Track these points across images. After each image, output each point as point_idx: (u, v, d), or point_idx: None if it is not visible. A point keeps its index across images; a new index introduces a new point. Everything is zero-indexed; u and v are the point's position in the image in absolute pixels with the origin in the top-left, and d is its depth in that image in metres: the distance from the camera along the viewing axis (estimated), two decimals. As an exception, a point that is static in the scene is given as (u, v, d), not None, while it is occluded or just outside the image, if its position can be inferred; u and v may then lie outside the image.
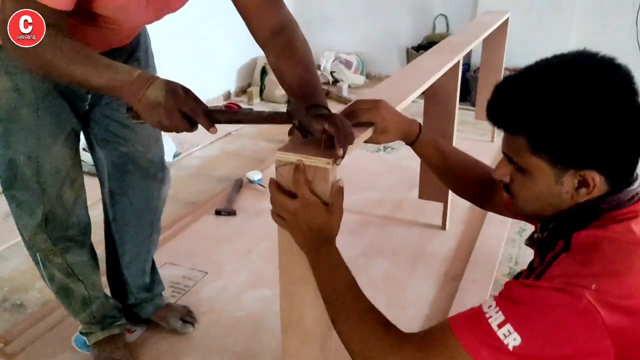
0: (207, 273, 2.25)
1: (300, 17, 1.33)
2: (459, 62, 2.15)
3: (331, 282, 1.00)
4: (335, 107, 1.11)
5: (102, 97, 1.51)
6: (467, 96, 4.41)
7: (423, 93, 1.78)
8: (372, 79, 5.22)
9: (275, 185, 1.00)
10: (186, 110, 1.03)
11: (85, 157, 1.69)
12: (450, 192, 2.46)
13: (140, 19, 1.33)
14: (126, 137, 1.59)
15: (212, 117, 1.04)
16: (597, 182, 0.90)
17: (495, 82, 0.98)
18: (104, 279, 1.82)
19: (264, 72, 4.64)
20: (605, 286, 0.81)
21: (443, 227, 2.56)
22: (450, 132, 2.35)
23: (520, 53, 4.27)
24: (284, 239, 1.06)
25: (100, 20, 1.26)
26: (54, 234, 1.52)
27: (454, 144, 2.39)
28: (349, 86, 4.88)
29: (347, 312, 0.97)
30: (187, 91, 1.06)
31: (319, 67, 4.95)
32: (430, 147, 1.27)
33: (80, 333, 1.79)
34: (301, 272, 1.05)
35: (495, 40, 2.98)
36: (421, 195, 2.56)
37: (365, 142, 1.20)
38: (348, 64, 5.04)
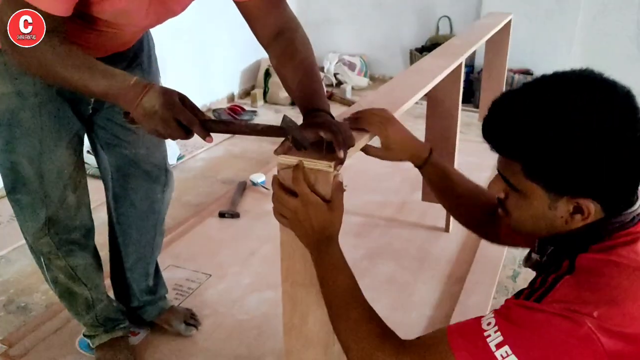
0: (210, 275, 2.25)
1: (303, 19, 1.33)
2: (461, 64, 2.15)
3: (331, 282, 1.00)
4: (339, 110, 1.11)
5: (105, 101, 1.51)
6: (471, 98, 4.40)
7: (426, 95, 1.78)
8: (376, 80, 5.22)
9: (278, 184, 1.00)
10: (182, 120, 1.03)
11: (90, 159, 1.70)
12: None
13: (141, 23, 1.33)
14: (129, 140, 1.60)
15: (208, 126, 1.04)
16: (592, 210, 0.88)
17: (495, 96, 0.95)
18: (107, 282, 1.82)
19: (267, 74, 4.64)
20: (607, 313, 0.80)
21: (447, 229, 2.56)
22: (453, 133, 2.35)
23: (524, 54, 4.30)
24: (286, 242, 1.07)
25: (100, 25, 1.27)
26: (57, 237, 1.53)
27: (457, 146, 2.38)
28: (353, 88, 4.87)
29: (345, 314, 0.97)
30: (183, 99, 1.06)
31: (322, 69, 4.95)
32: (439, 173, 1.25)
33: (84, 336, 1.80)
34: (303, 275, 1.05)
35: (499, 42, 2.98)
36: (425, 198, 2.55)
37: (369, 154, 1.20)
38: (352, 66, 5.04)
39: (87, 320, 1.72)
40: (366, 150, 1.23)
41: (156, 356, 1.83)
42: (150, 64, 1.62)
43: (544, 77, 0.92)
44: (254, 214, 2.75)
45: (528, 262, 1.05)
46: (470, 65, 4.45)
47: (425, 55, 2.38)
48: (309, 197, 0.96)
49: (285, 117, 0.97)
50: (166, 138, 1.08)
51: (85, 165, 1.58)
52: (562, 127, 0.83)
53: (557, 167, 0.85)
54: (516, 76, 4.29)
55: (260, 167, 3.27)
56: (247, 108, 4.37)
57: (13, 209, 1.51)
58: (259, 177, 3.04)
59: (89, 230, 1.61)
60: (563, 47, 4.39)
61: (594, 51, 4.36)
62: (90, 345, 1.78)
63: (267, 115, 4.37)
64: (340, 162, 0.97)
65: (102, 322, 1.73)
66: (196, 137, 1.08)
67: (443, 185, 1.26)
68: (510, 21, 2.93)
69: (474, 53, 2.63)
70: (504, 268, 2.30)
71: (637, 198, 0.92)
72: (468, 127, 3.78)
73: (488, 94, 3.45)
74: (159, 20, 1.34)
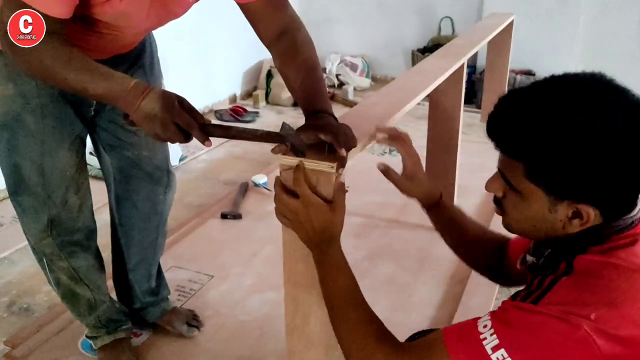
0: (212, 277, 2.25)
1: (305, 19, 1.33)
2: (463, 64, 2.15)
3: (332, 282, 1.00)
4: (341, 110, 1.11)
5: None
6: (473, 98, 4.40)
7: (428, 95, 1.78)
8: (378, 81, 5.21)
9: (280, 185, 1.00)
10: (181, 124, 1.04)
11: (92, 161, 1.70)
12: (455, 195, 2.46)
13: (142, 25, 1.33)
14: (131, 142, 1.60)
15: (207, 130, 1.04)
16: (592, 216, 0.87)
17: (500, 94, 0.94)
18: (110, 283, 1.82)
19: (269, 75, 4.64)
20: (605, 315, 0.80)
21: (449, 230, 2.55)
22: (455, 134, 2.35)
23: (525, 54, 4.29)
24: (288, 243, 1.07)
25: (101, 27, 1.27)
26: (60, 239, 1.53)
27: (459, 147, 2.38)
28: (355, 89, 4.87)
29: (345, 315, 0.98)
30: (182, 102, 1.06)
31: (324, 70, 4.95)
32: (449, 216, 1.24)
33: (87, 337, 1.80)
34: (306, 276, 1.06)
35: (501, 43, 2.98)
36: (427, 198, 2.55)
37: (389, 178, 1.21)
38: (353, 67, 5.04)
39: (90, 321, 1.72)
40: (387, 173, 1.22)
41: (158, 357, 1.83)
42: (153, 65, 1.62)
43: (554, 78, 0.91)
44: (256, 215, 2.75)
45: (523, 264, 1.05)
46: (472, 65, 4.45)
47: (427, 55, 2.38)
48: (309, 198, 0.96)
49: (284, 124, 0.97)
50: (165, 141, 1.09)
51: (88, 166, 1.58)
52: (569, 131, 0.82)
53: (561, 170, 0.84)
54: (518, 76, 4.29)
55: (262, 168, 3.27)
56: (249, 109, 4.37)
57: (15, 210, 1.52)
58: (261, 178, 3.04)
59: (92, 232, 1.61)
60: (564, 47, 4.39)
61: (596, 51, 4.35)
62: (93, 346, 1.78)
63: (269, 117, 4.37)
64: (342, 164, 0.97)
65: (104, 323, 1.73)
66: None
67: (451, 229, 1.25)
68: (512, 22, 2.93)
69: (476, 54, 2.63)
70: (506, 269, 2.30)
71: (636, 204, 0.92)
72: (470, 127, 3.78)
73: (490, 95, 3.45)
74: (161, 22, 1.34)
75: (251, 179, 3.07)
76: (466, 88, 2.30)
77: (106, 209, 1.79)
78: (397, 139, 1.19)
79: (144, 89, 1.07)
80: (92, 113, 1.52)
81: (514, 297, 0.90)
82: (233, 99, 4.71)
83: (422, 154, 2.55)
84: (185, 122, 1.04)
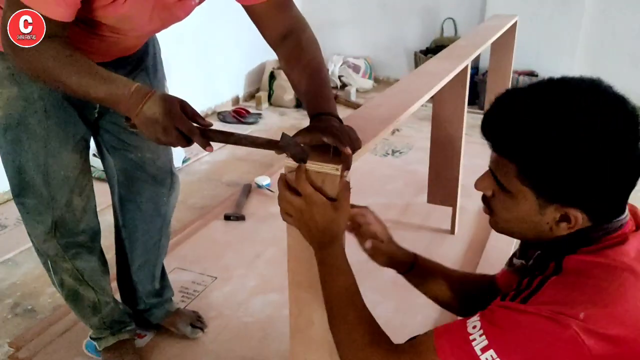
0: (216, 278, 2.25)
1: (307, 21, 1.33)
2: (467, 66, 2.15)
3: (331, 282, 1.00)
4: (343, 112, 1.11)
5: None
6: (475, 99, 4.40)
7: (431, 97, 1.78)
8: (380, 83, 5.22)
9: (284, 182, 0.99)
10: (182, 129, 1.04)
11: (96, 162, 1.70)
12: (460, 194, 2.46)
13: (145, 28, 1.33)
14: (135, 144, 1.60)
15: (208, 135, 1.04)
16: (580, 220, 0.87)
17: (497, 93, 0.94)
18: (114, 284, 1.83)
19: (272, 77, 4.65)
20: (594, 315, 0.80)
21: (452, 231, 2.55)
22: (459, 136, 2.35)
23: (528, 56, 4.29)
24: (293, 244, 1.07)
25: (104, 30, 1.27)
26: (64, 241, 1.53)
27: (463, 148, 2.38)
28: (357, 90, 4.87)
29: (342, 316, 0.98)
30: (183, 107, 1.06)
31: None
32: (430, 273, 1.23)
33: (91, 338, 1.80)
34: (310, 277, 1.05)
35: (504, 44, 2.97)
36: (430, 200, 2.55)
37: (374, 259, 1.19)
38: (356, 68, 5.05)
39: (94, 322, 1.72)
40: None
41: (162, 358, 1.84)
42: (156, 68, 1.62)
43: (552, 80, 0.91)
44: (259, 216, 2.75)
45: (511, 266, 1.05)
46: (475, 67, 4.45)
47: (430, 57, 2.38)
48: (312, 196, 0.96)
49: (283, 134, 0.97)
50: (167, 145, 1.09)
51: (91, 168, 1.59)
52: (563, 134, 0.83)
53: (552, 173, 0.85)
54: (521, 78, 4.29)
55: (264, 169, 3.27)
56: (251, 111, 4.38)
57: (20, 212, 1.52)
58: (264, 180, 3.04)
59: (95, 233, 1.62)
60: (567, 48, 4.39)
61: (598, 52, 4.35)
62: (97, 347, 1.79)
63: (272, 118, 4.38)
64: (347, 165, 0.97)
65: (108, 324, 1.73)
66: None
67: (435, 284, 1.24)
68: (515, 23, 2.92)
69: (478, 55, 2.62)
70: (510, 270, 2.29)
71: (625, 207, 0.92)
72: (473, 129, 3.77)
73: (493, 96, 3.43)
74: (164, 25, 1.34)
75: (254, 180, 3.08)
76: (469, 89, 2.29)
77: (109, 210, 1.80)
78: (357, 225, 1.19)
79: (146, 93, 1.06)
80: (96, 115, 1.53)
81: (503, 298, 0.89)
82: (236, 100, 4.71)
83: (425, 155, 2.57)
84: (187, 127, 1.04)
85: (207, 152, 1.10)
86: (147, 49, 1.57)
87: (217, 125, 3.83)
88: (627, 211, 0.92)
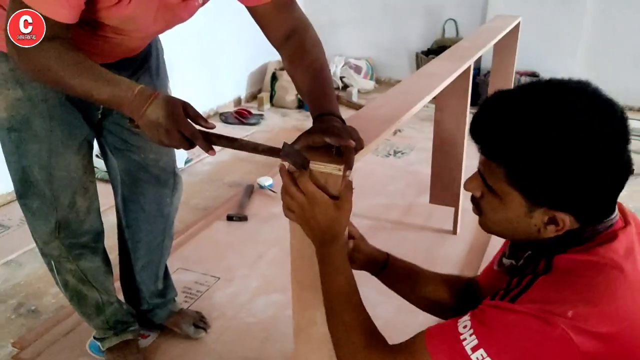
0: (219, 278, 2.26)
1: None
2: (470, 67, 2.15)
3: (330, 282, 1.01)
4: (345, 112, 1.11)
5: None
6: (477, 100, 4.39)
7: (434, 98, 1.78)
8: (382, 83, 5.22)
9: (288, 177, 0.99)
10: (185, 133, 1.04)
11: (99, 163, 1.71)
12: (462, 195, 2.46)
13: (149, 29, 1.33)
14: (138, 145, 1.61)
15: (211, 140, 1.05)
16: (567, 223, 0.88)
17: (487, 97, 0.94)
18: (117, 285, 1.83)
19: (274, 78, 4.65)
20: (582, 313, 0.80)
21: (454, 231, 2.56)
22: (461, 137, 2.35)
23: (530, 56, 4.28)
24: (296, 244, 1.07)
25: (108, 31, 1.27)
26: (67, 241, 1.54)
27: (465, 149, 2.38)
28: (359, 91, 4.88)
29: (339, 315, 0.99)
30: (186, 109, 1.06)
31: (328, 72, 4.95)
32: (403, 271, 1.23)
33: (95, 338, 1.81)
34: (313, 277, 1.06)
35: (507, 45, 2.97)
36: (432, 200, 2.56)
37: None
38: (358, 69, 5.05)
39: (98, 323, 1.73)
40: None
41: (165, 358, 1.84)
42: (159, 68, 1.63)
43: (539, 83, 0.91)
44: (261, 217, 2.76)
45: (501, 266, 1.05)
46: (476, 67, 4.45)
47: (431, 58, 2.39)
48: (315, 194, 0.96)
49: (284, 144, 0.98)
50: (169, 147, 1.10)
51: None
52: (551, 140, 0.83)
53: (539, 177, 0.85)
54: (522, 78, 4.28)
55: (267, 170, 3.28)
56: (254, 112, 4.38)
57: (23, 213, 1.53)
58: (266, 181, 3.05)
59: (99, 234, 1.62)
60: (568, 48, 4.39)
61: (599, 53, 4.35)
62: (101, 347, 1.79)
63: (274, 119, 4.38)
64: (350, 165, 0.97)
65: (112, 324, 1.74)
66: None
67: (409, 282, 1.23)
68: (518, 24, 2.92)
69: (480, 55, 2.63)
70: (512, 271, 2.29)
71: (614, 209, 0.92)
72: (475, 129, 3.78)
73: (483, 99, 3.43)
74: (167, 26, 1.34)
75: (256, 181, 3.08)
76: (470, 90, 2.30)
77: (112, 211, 1.80)
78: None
79: (149, 95, 1.07)
80: (99, 116, 1.53)
81: (492, 297, 0.90)
82: (238, 101, 4.72)
83: (427, 156, 2.57)
84: (190, 131, 1.04)
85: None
86: (150, 50, 1.58)
87: (219, 126, 3.83)
88: (616, 210, 0.93)
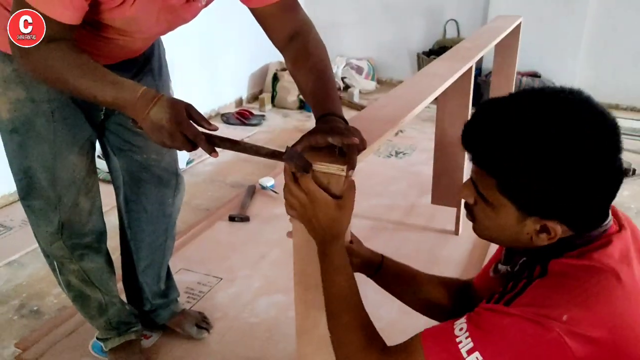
0: (221, 279, 2.26)
1: (311, 22, 1.33)
2: (471, 67, 2.15)
3: (330, 282, 1.01)
4: (347, 113, 1.12)
5: None
6: (479, 100, 4.39)
7: (435, 99, 1.78)
8: (383, 84, 5.22)
9: (291, 176, 0.99)
10: (188, 135, 1.04)
11: (100, 164, 1.71)
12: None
13: (152, 31, 1.34)
14: (140, 145, 1.61)
15: (214, 142, 1.05)
16: (558, 232, 0.88)
17: (479, 105, 0.95)
18: (120, 285, 1.83)
19: (275, 78, 4.66)
20: (577, 317, 0.81)
21: (456, 232, 2.56)
22: (463, 137, 2.35)
23: (531, 56, 4.29)
24: (299, 245, 1.07)
25: (111, 32, 1.28)
26: (70, 242, 1.54)
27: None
28: (360, 92, 4.88)
29: (338, 316, 0.99)
30: (190, 111, 1.06)
31: (330, 73, 4.95)
32: (398, 272, 1.23)
33: (97, 339, 1.81)
34: (316, 278, 1.06)
35: (508, 45, 2.97)
36: (434, 201, 2.56)
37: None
38: (359, 70, 5.05)
39: (100, 323, 1.73)
40: None
41: (168, 359, 1.84)
42: (161, 69, 1.63)
43: (531, 93, 0.91)
44: (263, 217, 2.76)
45: (496, 273, 1.05)
46: (478, 68, 4.45)
47: (433, 58, 2.39)
48: (316, 193, 0.97)
49: (287, 148, 0.98)
50: (173, 149, 1.10)
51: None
52: (542, 150, 0.83)
53: (531, 188, 0.85)
54: (524, 79, 4.29)
55: (268, 170, 3.28)
56: (255, 112, 4.39)
57: (26, 213, 1.53)
58: (268, 181, 3.05)
59: (102, 234, 1.63)
60: (570, 49, 4.39)
61: (601, 52, 4.35)
62: (103, 348, 1.80)
63: (275, 120, 4.39)
64: (352, 166, 0.98)
65: (115, 325, 1.74)
66: None
67: (404, 284, 1.23)
68: (520, 24, 2.92)
69: (482, 56, 2.63)
70: (514, 271, 2.29)
71: (607, 215, 0.92)
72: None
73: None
74: (170, 27, 1.35)
75: (258, 181, 3.08)
76: (472, 90, 2.30)
77: (114, 212, 1.81)
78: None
79: (152, 97, 1.07)
80: (102, 117, 1.54)
81: (488, 300, 0.90)
82: (239, 102, 4.72)
83: (429, 156, 2.57)
84: (193, 133, 1.05)
85: (211, 155, 1.10)
86: (152, 51, 1.58)
87: (221, 127, 3.83)
88: (610, 215, 0.93)
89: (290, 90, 4.54)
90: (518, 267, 0.98)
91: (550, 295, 0.84)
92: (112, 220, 1.80)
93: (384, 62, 5.23)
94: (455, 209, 2.52)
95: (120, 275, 1.85)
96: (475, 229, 1.00)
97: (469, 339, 0.84)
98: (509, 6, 4.26)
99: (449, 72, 1.89)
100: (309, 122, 4.31)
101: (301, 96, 4.45)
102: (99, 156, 1.66)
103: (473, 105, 2.34)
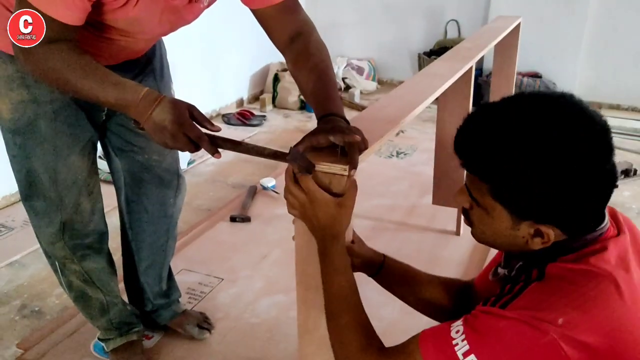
0: (222, 279, 2.26)
1: (311, 23, 1.34)
2: (471, 67, 2.15)
3: (329, 282, 1.01)
4: (348, 114, 1.12)
5: None
6: (480, 101, 4.40)
7: (436, 99, 1.78)
8: (384, 84, 5.23)
9: (291, 176, 1.00)
10: (191, 136, 1.05)
11: (102, 165, 1.71)
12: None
13: (154, 31, 1.34)
14: (141, 145, 1.61)
15: (216, 143, 1.05)
16: (552, 236, 0.88)
17: (469, 112, 0.95)
18: (121, 286, 1.84)
19: (276, 79, 4.66)
20: (572, 321, 0.81)
21: (457, 232, 2.56)
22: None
23: (532, 57, 4.29)
24: (300, 246, 1.07)
25: (114, 33, 1.28)
26: (72, 242, 1.54)
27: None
28: (361, 92, 4.89)
29: (336, 316, 1.00)
30: (192, 112, 1.07)
31: (330, 73, 4.95)
32: (399, 272, 1.23)
33: (99, 339, 1.81)
34: (317, 279, 1.06)
35: (508, 45, 2.97)
36: (435, 201, 2.56)
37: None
38: (360, 70, 5.06)
39: (102, 323, 1.73)
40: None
41: (170, 359, 1.84)
42: (163, 70, 1.63)
43: (522, 98, 0.91)
44: (264, 218, 2.76)
45: (495, 276, 1.05)
46: (479, 68, 4.46)
47: (434, 59, 2.39)
48: (315, 193, 0.97)
49: (291, 149, 0.98)
50: (175, 150, 1.10)
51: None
52: (533, 156, 0.83)
53: (523, 193, 0.85)
54: (525, 79, 4.29)
55: (270, 171, 3.28)
56: (256, 113, 4.39)
57: (28, 214, 1.53)
58: (269, 182, 3.05)
59: (103, 235, 1.63)
60: (571, 49, 4.39)
61: (602, 52, 4.35)
62: (105, 348, 1.80)
63: (276, 120, 4.39)
64: (354, 165, 0.98)
65: (116, 325, 1.74)
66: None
67: (405, 284, 1.23)
68: (519, 24, 2.93)
69: (482, 56, 2.64)
70: (515, 271, 2.29)
71: (603, 217, 0.92)
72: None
73: (497, 98, 3.44)
74: (172, 28, 1.35)
75: (259, 182, 3.09)
76: (473, 91, 2.30)
77: (115, 212, 1.81)
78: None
79: (155, 98, 1.07)
80: (104, 118, 1.54)
81: (485, 302, 0.90)
82: (240, 102, 4.73)
83: (429, 157, 2.57)
84: (195, 134, 1.05)
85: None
86: (154, 52, 1.58)
87: (222, 127, 3.84)
88: (606, 219, 0.93)
89: (291, 91, 4.55)
90: (515, 272, 0.98)
91: (547, 298, 0.84)
92: (113, 221, 1.81)
93: (384, 63, 5.23)
94: (456, 210, 2.52)
95: (122, 275, 1.85)
96: (473, 234, 1.00)
97: (465, 342, 0.84)
98: (510, 6, 4.27)
99: (449, 72, 1.89)
100: (309, 122, 4.32)
101: (302, 96, 4.47)
102: (100, 157, 1.67)
103: (473, 105, 2.35)
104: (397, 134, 3.74)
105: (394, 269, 1.22)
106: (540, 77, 4.38)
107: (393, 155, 3.55)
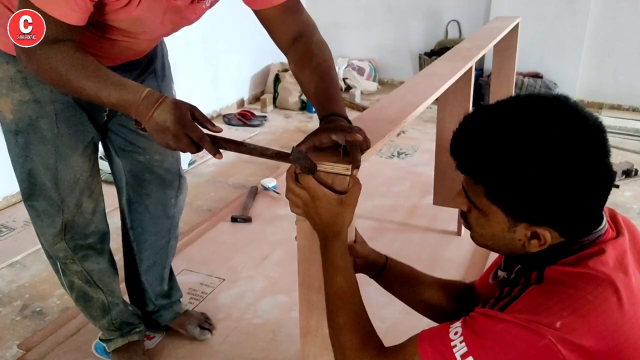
0: (224, 280, 2.26)
1: (312, 24, 1.34)
2: (471, 67, 2.15)
3: (330, 280, 1.01)
4: (349, 114, 1.12)
5: None
6: (480, 101, 4.40)
7: (436, 99, 1.79)
8: (385, 85, 5.23)
9: (292, 176, 1.00)
10: (193, 137, 1.05)
11: (103, 165, 1.72)
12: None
13: (156, 32, 1.34)
14: (143, 146, 1.62)
15: (218, 144, 1.05)
16: (548, 238, 0.88)
17: (465, 114, 0.95)
18: (122, 286, 1.84)
19: (277, 79, 4.66)
20: (570, 324, 0.81)
21: (458, 232, 2.56)
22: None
23: (533, 57, 4.29)
24: (302, 246, 1.08)
25: (116, 34, 1.28)
26: (73, 243, 1.55)
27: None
28: (362, 92, 4.89)
29: (335, 314, 1.00)
30: (194, 113, 1.07)
31: (331, 74, 4.95)
32: (401, 273, 1.23)
33: (100, 340, 1.82)
34: (320, 279, 1.06)
35: (507, 46, 2.97)
36: (436, 202, 2.56)
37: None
38: (360, 71, 5.06)
39: (103, 324, 1.73)
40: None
41: (171, 360, 1.85)
42: (164, 71, 1.63)
43: (517, 100, 0.91)
44: (265, 218, 2.76)
45: (495, 279, 1.05)
46: (479, 68, 4.46)
47: (434, 59, 2.39)
48: (316, 190, 0.97)
49: (293, 149, 0.98)
50: (176, 151, 1.10)
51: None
52: (528, 157, 0.83)
53: (517, 194, 0.86)
54: (525, 79, 4.29)
55: (271, 171, 3.29)
56: (257, 113, 4.39)
57: (29, 214, 1.54)
58: (270, 182, 3.05)
59: (104, 235, 1.63)
60: (572, 49, 4.39)
61: (603, 52, 4.35)
62: (106, 349, 1.80)
63: (277, 120, 4.39)
64: (357, 165, 0.98)
65: (117, 326, 1.74)
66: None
67: (407, 285, 1.23)
68: (518, 25, 2.93)
69: (483, 57, 2.64)
70: (516, 271, 2.29)
71: (602, 219, 0.92)
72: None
73: (497, 98, 3.43)
74: (174, 28, 1.35)
75: (260, 182, 3.09)
76: (473, 91, 2.30)
77: (117, 213, 1.81)
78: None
79: (156, 99, 1.07)
80: (105, 118, 1.54)
81: (484, 304, 0.90)
82: (241, 103, 4.73)
83: (430, 157, 2.57)
84: (197, 135, 1.05)
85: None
86: (155, 52, 1.58)
87: (223, 128, 3.84)
88: (604, 221, 0.93)
89: (291, 91, 4.55)
90: (514, 274, 0.98)
91: (545, 302, 0.84)
92: (114, 221, 1.81)
93: (385, 63, 5.23)
94: (457, 210, 2.52)
95: (123, 276, 1.85)
96: (472, 237, 1.00)
97: (463, 343, 0.85)
98: (511, 7, 4.27)
99: (449, 72, 1.89)
100: (310, 122, 4.32)
101: (303, 97, 4.48)
102: (101, 157, 1.67)
103: (474, 105, 2.35)
104: (398, 134, 3.74)
105: (395, 271, 1.22)
106: (541, 77, 4.38)
107: (394, 156, 3.55)
